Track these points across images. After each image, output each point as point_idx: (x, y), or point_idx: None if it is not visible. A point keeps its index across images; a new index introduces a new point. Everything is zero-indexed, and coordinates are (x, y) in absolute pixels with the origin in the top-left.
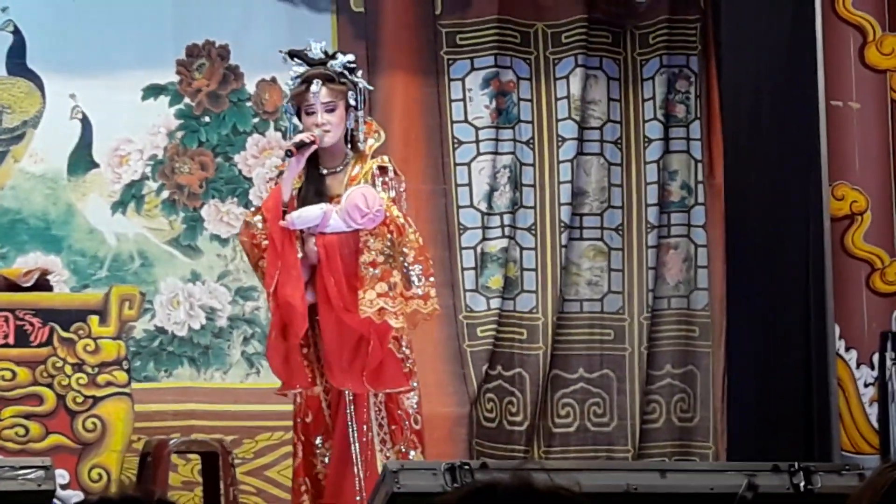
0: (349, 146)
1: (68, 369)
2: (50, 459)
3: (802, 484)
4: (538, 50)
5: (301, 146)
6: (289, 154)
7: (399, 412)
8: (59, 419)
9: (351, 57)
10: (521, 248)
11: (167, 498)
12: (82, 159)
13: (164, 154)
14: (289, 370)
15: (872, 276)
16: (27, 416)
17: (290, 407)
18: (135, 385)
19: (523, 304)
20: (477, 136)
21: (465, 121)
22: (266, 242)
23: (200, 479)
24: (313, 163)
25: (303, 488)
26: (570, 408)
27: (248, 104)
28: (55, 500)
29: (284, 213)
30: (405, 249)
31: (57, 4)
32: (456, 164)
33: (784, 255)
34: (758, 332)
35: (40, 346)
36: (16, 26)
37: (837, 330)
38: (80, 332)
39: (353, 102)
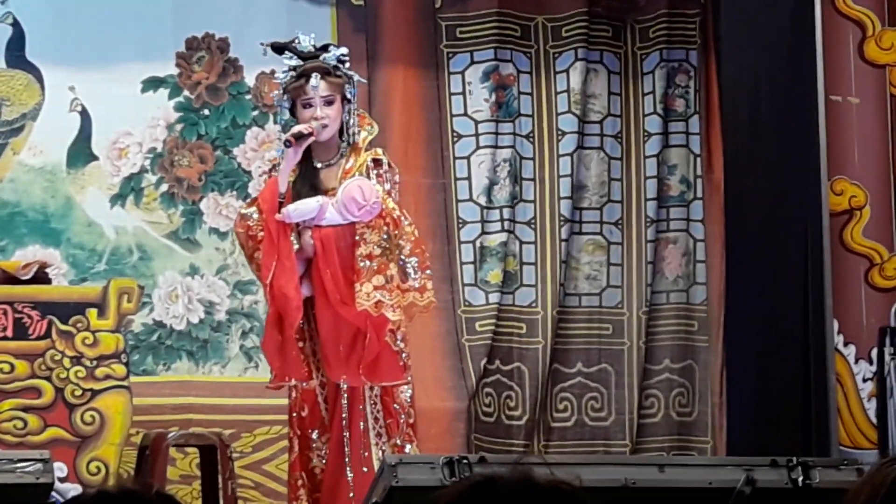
0: (343, 139)
1: (67, 362)
2: (48, 452)
3: (801, 479)
4: (538, 43)
5: (299, 137)
6: (287, 144)
7: (395, 406)
8: (57, 412)
9: (344, 50)
10: (521, 243)
11: (165, 491)
12: (81, 152)
13: (164, 147)
14: (284, 362)
15: (871, 272)
16: (25, 409)
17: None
18: (133, 379)
19: (522, 298)
20: (477, 129)
21: (465, 114)
22: (262, 234)
23: (199, 473)
24: (307, 156)
25: (299, 482)
26: (567, 402)
27: (248, 97)
28: (53, 494)
29: (281, 204)
30: (401, 242)
31: None
32: (455, 158)
33: (783, 250)
34: (756, 327)
35: (39, 338)
36: (15, 18)
37: (836, 325)
38: (79, 325)
39: (349, 95)
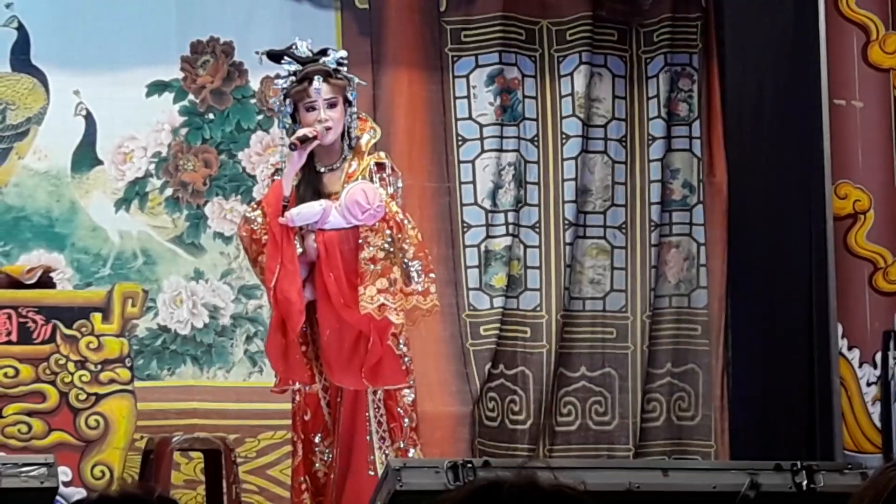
0: (345, 142)
1: (71, 366)
2: (53, 456)
3: (805, 483)
4: (543, 47)
5: (304, 140)
6: (292, 147)
7: (398, 409)
8: (61, 416)
9: (343, 53)
10: (525, 246)
11: (168, 495)
12: (86, 156)
13: (168, 151)
14: (287, 366)
15: (875, 276)
16: (30, 414)
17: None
18: (138, 384)
19: (527, 302)
20: (481, 133)
21: (470, 118)
22: (266, 238)
23: (203, 478)
24: (309, 161)
25: (303, 486)
26: (571, 406)
27: (252, 101)
28: (58, 498)
29: (285, 208)
30: (405, 245)
31: (61, 1)
32: (460, 162)
33: (787, 254)
34: (760, 331)
35: (43, 343)
36: (20, 22)
37: (840, 329)
38: (83, 329)
39: (350, 98)
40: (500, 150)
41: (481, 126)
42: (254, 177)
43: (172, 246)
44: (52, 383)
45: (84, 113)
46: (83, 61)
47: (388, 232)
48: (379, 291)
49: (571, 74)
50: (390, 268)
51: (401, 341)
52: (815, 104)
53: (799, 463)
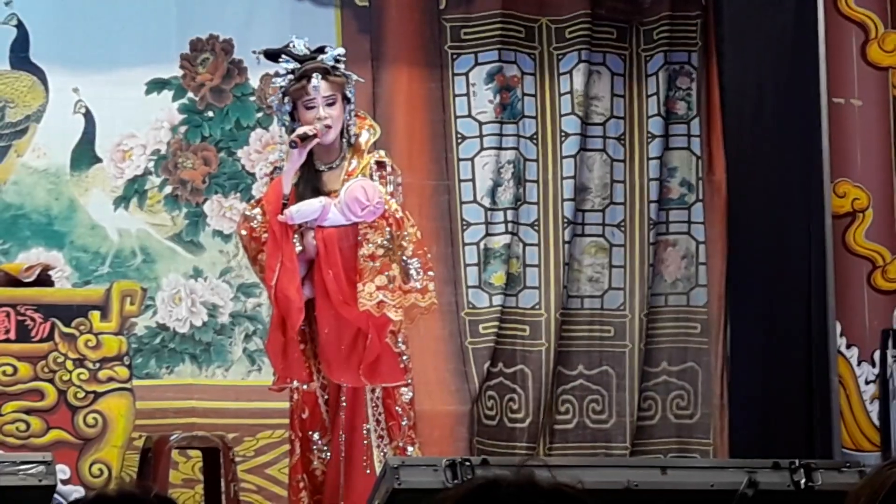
0: (344, 140)
1: (69, 364)
2: (51, 455)
3: (803, 481)
4: (542, 45)
5: (305, 138)
6: (293, 145)
7: (397, 408)
8: (59, 414)
9: (341, 50)
10: (524, 244)
11: (165, 494)
12: (85, 154)
13: (167, 149)
14: (286, 363)
15: (874, 274)
16: (28, 412)
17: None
18: (136, 382)
19: (526, 300)
20: (480, 131)
21: (469, 116)
22: (265, 236)
23: (201, 477)
24: (308, 159)
25: (301, 485)
26: (569, 404)
27: (252, 99)
28: (56, 496)
29: (284, 206)
30: (404, 243)
31: None
32: (459, 160)
33: (785, 252)
34: (759, 330)
35: (41, 341)
36: (19, 20)
37: (839, 327)
38: (82, 327)
39: (349, 95)
40: (500, 148)
41: (481, 124)
42: (253, 174)
43: (171, 244)
44: (51, 381)
45: (83, 111)
46: (82, 59)
47: (387, 229)
48: (378, 288)
49: (570, 72)
50: (389, 265)
51: (399, 339)
52: (814, 102)
53: (797, 461)
